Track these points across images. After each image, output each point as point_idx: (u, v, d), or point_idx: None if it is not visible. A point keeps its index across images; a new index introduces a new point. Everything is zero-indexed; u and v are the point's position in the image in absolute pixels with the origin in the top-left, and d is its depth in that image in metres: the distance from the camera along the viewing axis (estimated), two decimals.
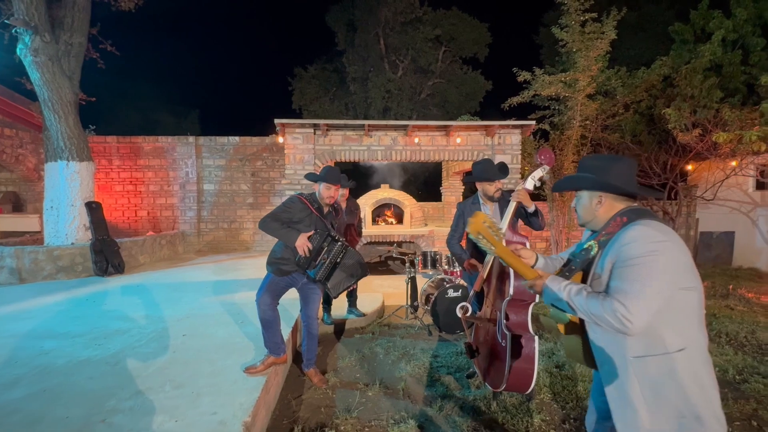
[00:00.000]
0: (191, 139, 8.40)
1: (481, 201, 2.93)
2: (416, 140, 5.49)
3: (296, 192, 2.75)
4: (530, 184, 2.62)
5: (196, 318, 3.74)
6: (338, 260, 2.60)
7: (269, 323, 2.68)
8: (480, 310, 2.77)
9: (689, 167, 7.84)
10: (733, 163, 6.91)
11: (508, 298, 2.31)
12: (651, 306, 1.11)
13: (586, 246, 1.34)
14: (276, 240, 2.69)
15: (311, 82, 18.08)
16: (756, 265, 7.40)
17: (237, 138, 8.47)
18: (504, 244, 1.49)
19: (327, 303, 4.23)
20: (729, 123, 6.07)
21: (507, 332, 2.30)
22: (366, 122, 5.24)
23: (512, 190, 2.75)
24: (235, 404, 2.19)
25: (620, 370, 1.23)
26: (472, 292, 2.70)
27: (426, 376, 3.10)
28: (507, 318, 2.33)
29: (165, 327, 3.49)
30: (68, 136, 5.87)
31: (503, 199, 2.83)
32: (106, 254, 5.84)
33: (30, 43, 5.23)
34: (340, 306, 4.57)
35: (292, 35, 31.67)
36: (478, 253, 2.85)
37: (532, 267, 1.54)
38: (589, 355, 1.38)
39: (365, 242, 6.75)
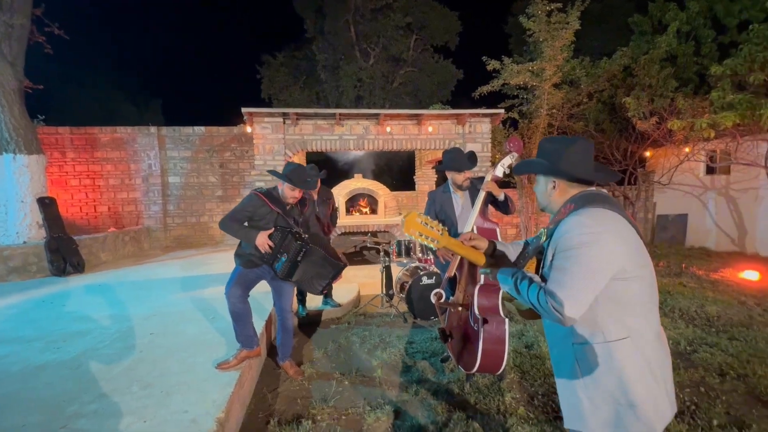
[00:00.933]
0: (153, 129, 7.99)
1: (451, 189, 2.96)
2: (388, 129, 5.47)
3: (257, 188, 2.67)
4: (500, 171, 2.68)
5: (164, 316, 3.61)
6: (298, 259, 2.58)
7: (240, 316, 2.63)
8: (453, 295, 2.82)
9: (647, 154, 8.27)
10: (686, 150, 7.34)
11: (479, 284, 2.36)
12: (581, 298, 1.10)
13: (538, 233, 1.37)
14: None
15: (280, 70, 17.55)
16: (706, 244, 7.95)
17: (203, 128, 8.13)
18: (447, 235, 1.50)
19: (302, 295, 4.18)
20: (682, 111, 6.42)
21: (479, 316, 2.36)
22: (337, 111, 5.15)
23: (482, 178, 2.80)
24: (208, 401, 2.14)
25: (564, 355, 1.28)
26: (445, 278, 2.74)
27: (402, 363, 3.14)
28: (478, 302, 2.40)
29: (130, 326, 3.34)
30: (13, 127, 5.44)
31: (473, 187, 2.88)
32: (63, 253, 5.50)
33: None
34: (315, 297, 4.54)
35: (259, 21, 30.49)
36: None
37: (492, 255, 1.55)
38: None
39: (340, 233, 6.71)
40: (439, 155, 7.27)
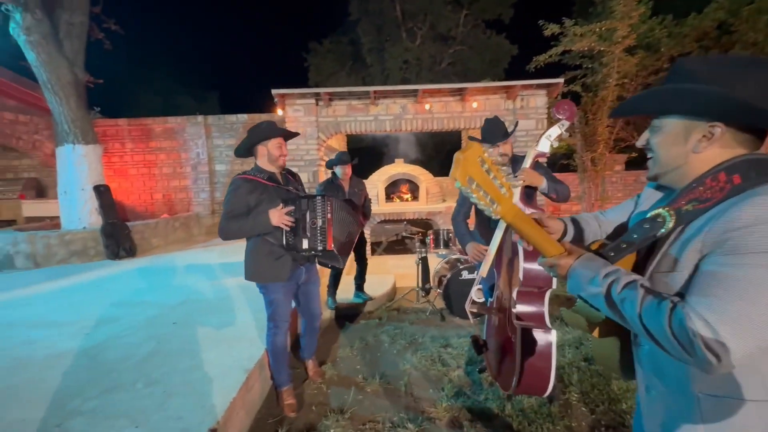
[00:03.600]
0: (200, 118, 8.20)
1: None
2: (427, 107, 4.97)
3: (237, 174, 2.18)
4: (545, 146, 2.14)
5: (191, 304, 3.55)
6: (330, 215, 2.14)
7: (282, 353, 2.35)
8: (492, 297, 2.36)
9: None
10: None
11: (517, 288, 1.90)
12: (759, 338, 0.63)
13: (651, 215, 0.80)
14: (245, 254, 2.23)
15: (327, 57, 17.44)
16: None
17: (245, 116, 8.19)
18: (515, 201, 0.97)
19: (333, 286, 3.94)
20: None
21: (518, 325, 1.90)
22: (372, 88, 4.75)
23: (522, 156, 2.29)
24: (206, 407, 1.93)
25: (681, 406, 0.81)
26: (478, 277, 2.29)
27: (433, 370, 2.76)
28: (518, 308, 1.93)
29: (158, 314, 3.31)
30: (71, 119, 5.76)
31: (516, 165, 2.36)
32: (117, 238, 5.79)
33: (21, 21, 5.05)
34: (346, 289, 4.28)
35: (306, 7, 30.69)
36: (490, 233, 2.41)
37: (559, 241, 1.03)
38: (630, 367, 0.97)
39: (378, 221, 6.39)
40: None
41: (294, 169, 5.37)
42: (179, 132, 8.28)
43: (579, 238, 1.09)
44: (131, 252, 5.93)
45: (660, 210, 0.78)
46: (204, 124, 8.20)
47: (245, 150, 2.20)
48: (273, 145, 2.16)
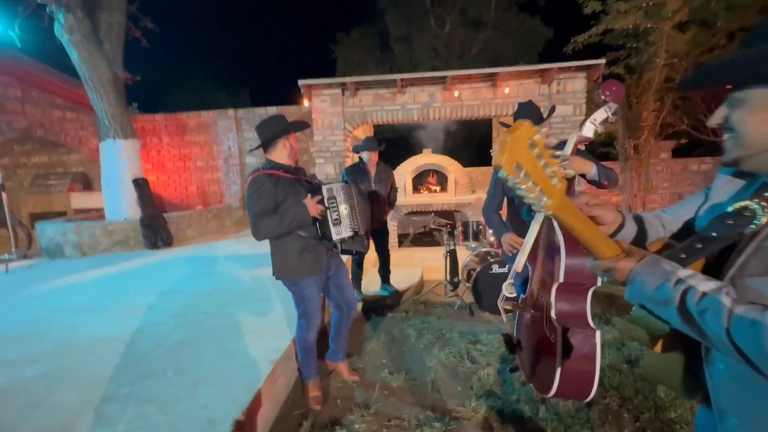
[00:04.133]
0: (231, 112, 8.37)
1: None
2: (456, 94, 4.77)
3: (253, 171, 2.13)
4: (589, 131, 1.95)
5: (221, 294, 3.63)
6: (355, 202, 2.17)
7: (312, 348, 2.33)
8: (525, 293, 2.22)
9: None
10: None
11: (558, 283, 1.75)
12: None
13: (735, 208, 0.68)
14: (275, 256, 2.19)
15: (354, 48, 17.33)
16: None
17: (274, 108, 8.27)
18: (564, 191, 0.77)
19: (357, 277, 3.91)
20: None
21: (557, 325, 1.76)
22: (398, 76, 4.61)
23: (561, 143, 2.12)
24: (232, 397, 1.94)
25: None
26: (513, 271, 2.16)
27: (461, 367, 2.66)
28: (557, 307, 1.79)
29: (190, 303, 3.40)
30: (111, 115, 6.02)
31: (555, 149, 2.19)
32: (154, 229, 6.04)
33: (64, 21, 5.29)
34: (372, 280, 4.25)
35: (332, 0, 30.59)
36: (524, 226, 2.26)
37: (613, 237, 0.90)
38: (695, 384, 0.81)
39: (406, 212, 6.29)
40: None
41: (320, 161, 5.40)
42: (211, 126, 8.50)
43: (641, 238, 0.93)
44: (168, 242, 6.17)
45: (747, 202, 0.65)
46: (235, 117, 8.37)
47: (268, 140, 2.14)
48: (293, 138, 2.14)
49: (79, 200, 8.36)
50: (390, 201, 3.84)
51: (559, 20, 13.75)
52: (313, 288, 2.20)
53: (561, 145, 2.19)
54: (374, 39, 17.33)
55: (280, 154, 2.14)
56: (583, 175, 2.04)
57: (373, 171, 3.71)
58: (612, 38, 6.33)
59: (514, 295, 2.21)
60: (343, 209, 2.11)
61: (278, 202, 2.05)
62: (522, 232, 2.23)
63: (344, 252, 2.32)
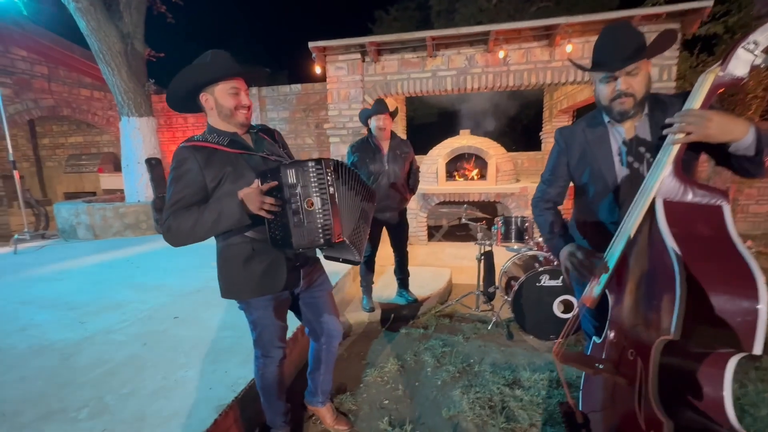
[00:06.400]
0: (254, 90, 7.86)
1: (606, 119, 1.41)
2: (501, 55, 3.80)
3: (184, 142, 1.38)
4: (743, 67, 1.08)
5: (205, 293, 3.08)
6: (332, 188, 1.35)
7: (272, 386, 1.66)
8: (600, 338, 1.38)
9: None
10: None
11: (664, 337, 0.94)
12: None
13: None
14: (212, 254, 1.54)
15: (392, 26, 16.29)
16: None
17: (299, 86, 7.67)
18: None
19: (366, 283, 3.18)
20: None
21: (662, 419, 0.94)
22: (429, 33, 3.70)
23: (679, 97, 1.25)
24: None
25: None
26: (580, 308, 1.34)
27: (491, 424, 1.88)
28: (663, 378, 0.98)
29: (166, 303, 2.88)
30: (124, 90, 5.69)
31: (658, 110, 1.31)
32: None
33: None
34: (389, 283, 3.52)
35: None
36: (601, 233, 1.40)
37: None
38: None
39: (437, 201, 5.47)
40: (582, 97, 5.19)
41: (335, 140, 4.62)
42: None
43: None
44: None
45: None
46: (258, 96, 7.87)
47: (180, 101, 1.41)
48: (222, 91, 1.37)
49: (108, 181, 8.33)
50: (410, 185, 3.05)
51: None
52: (268, 310, 1.52)
53: (674, 100, 1.31)
54: (414, 14, 16.20)
55: (211, 116, 1.42)
56: (719, 149, 1.15)
57: (385, 146, 2.89)
58: None
59: (572, 315, 1.40)
60: (313, 203, 1.32)
61: (209, 189, 1.36)
62: (599, 243, 1.38)
63: (328, 258, 1.60)
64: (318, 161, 1.32)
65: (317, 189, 1.31)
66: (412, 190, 3.06)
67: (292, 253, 1.46)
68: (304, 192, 1.30)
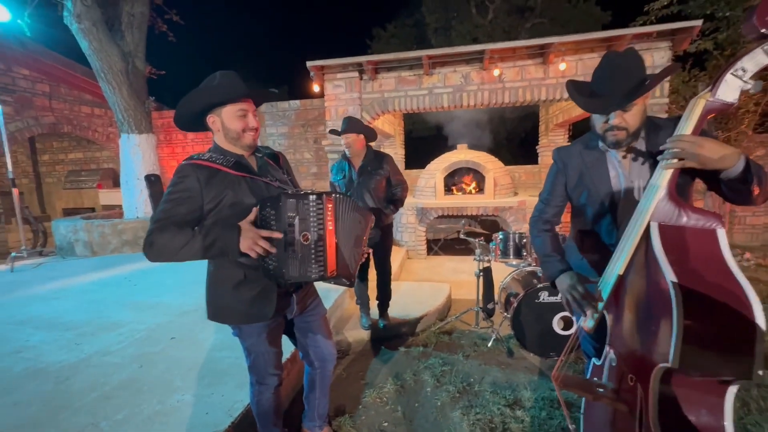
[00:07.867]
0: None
1: (601, 144, 1.43)
2: (497, 73, 3.88)
3: (188, 158, 1.38)
4: (732, 93, 1.10)
5: (203, 311, 3.00)
6: (332, 223, 1.35)
7: (268, 413, 1.62)
8: (600, 359, 1.37)
9: None
10: None
11: (664, 366, 0.93)
12: None
13: None
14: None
15: (390, 42, 16.64)
16: None
17: (298, 102, 7.76)
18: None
19: (363, 300, 3.16)
20: None
21: None
22: (425, 52, 3.81)
23: (672, 120, 1.27)
24: None
25: None
26: (578, 329, 1.34)
27: None
28: (663, 413, 0.97)
29: (163, 323, 2.85)
30: (124, 108, 5.75)
31: (654, 133, 1.33)
32: None
33: (72, 8, 5.04)
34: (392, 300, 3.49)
35: None
36: (600, 254, 1.41)
37: None
38: None
39: (435, 216, 5.49)
40: (580, 110, 5.27)
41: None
42: None
43: None
44: None
45: None
46: (257, 111, 7.96)
47: (187, 123, 1.44)
48: (229, 113, 1.37)
49: (107, 197, 8.33)
50: (394, 199, 2.89)
51: (618, 2, 12.19)
52: (261, 337, 1.50)
53: (668, 123, 1.33)
54: (410, 31, 16.54)
55: (218, 136, 1.44)
56: (710, 175, 1.16)
57: (357, 163, 2.81)
58: (696, 6, 5.12)
59: (572, 337, 1.39)
60: (308, 237, 1.31)
61: (204, 211, 1.34)
62: (598, 261, 1.39)
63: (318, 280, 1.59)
64: (319, 195, 1.32)
65: (315, 223, 1.31)
66: (396, 203, 2.89)
67: (284, 283, 1.44)
68: (302, 225, 1.30)
